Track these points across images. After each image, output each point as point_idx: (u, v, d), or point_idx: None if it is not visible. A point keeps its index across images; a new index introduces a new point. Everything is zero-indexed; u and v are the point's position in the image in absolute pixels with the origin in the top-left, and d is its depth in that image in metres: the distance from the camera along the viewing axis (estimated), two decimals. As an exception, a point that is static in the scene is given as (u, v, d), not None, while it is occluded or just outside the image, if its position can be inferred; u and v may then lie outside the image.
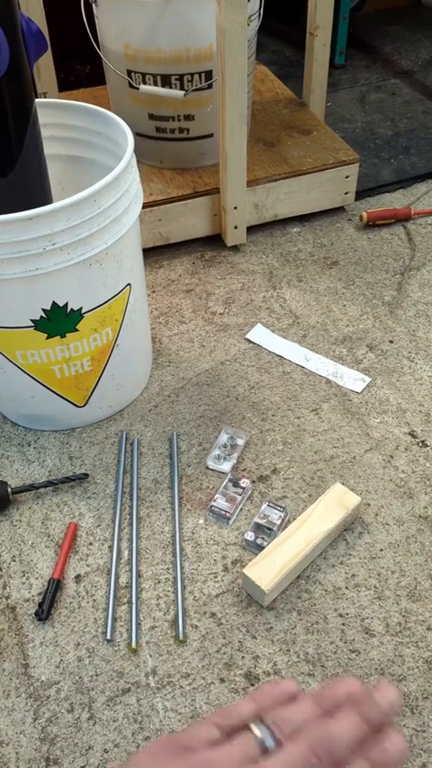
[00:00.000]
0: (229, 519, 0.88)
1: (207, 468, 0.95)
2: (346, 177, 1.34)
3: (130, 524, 0.89)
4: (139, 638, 0.79)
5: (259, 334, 1.14)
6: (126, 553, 0.86)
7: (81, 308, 0.85)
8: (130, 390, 1.04)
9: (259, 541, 0.85)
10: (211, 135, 1.27)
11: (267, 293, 1.23)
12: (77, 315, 0.85)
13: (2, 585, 0.84)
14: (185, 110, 1.23)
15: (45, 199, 0.90)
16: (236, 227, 1.28)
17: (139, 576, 0.84)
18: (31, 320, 0.83)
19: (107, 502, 0.92)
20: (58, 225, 0.76)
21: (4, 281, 0.78)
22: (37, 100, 0.85)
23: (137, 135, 1.26)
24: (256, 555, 0.82)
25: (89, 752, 0.71)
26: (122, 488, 0.93)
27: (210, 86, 1.20)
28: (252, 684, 0.75)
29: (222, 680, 0.75)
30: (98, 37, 1.24)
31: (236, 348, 1.13)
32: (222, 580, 0.83)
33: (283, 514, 0.88)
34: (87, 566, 0.86)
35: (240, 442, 0.97)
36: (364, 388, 1.05)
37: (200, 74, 1.19)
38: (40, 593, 0.83)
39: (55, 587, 0.82)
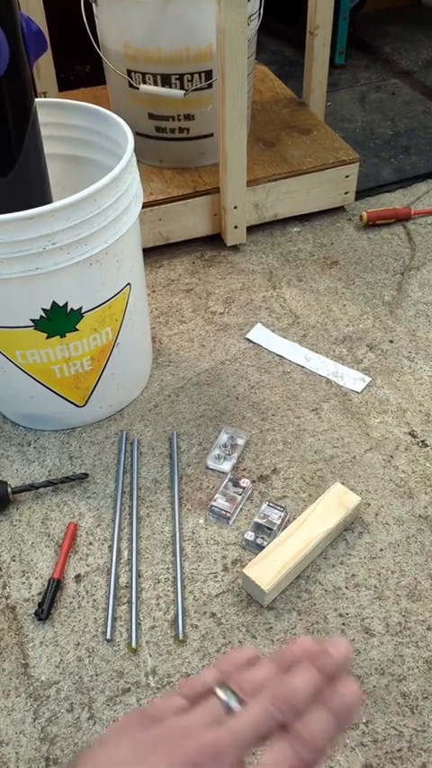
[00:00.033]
0: (229, 519, 0.88)
1: (207, 467, 0.95)
2: (346, 177, 1.34)
3: (130, 524, 0.89)
4: (139, 637, 0.79)
5: (259, 334, 1.14)
6: (126, 553, 0.86)
7: (81, 308, 0.85)
8: (129, 390, 1.04)
9: (259, 541, 0.85)
10: (211, 134, 1.27)
11: (267, 293, 1.23)
12: (77, 314, 0.85)
13: (2, 585, 0.84)
14: (185, 109, 1.23)
15: (45, 198, 0.90)
16: (236, 227, 1.28)
17: (138, 575, 0.84)
18: (31, 320, 0.83)
19: (107, 502, 0.92)
20: (58, 224, 0.75)
21: (3, 281, 0.78)
22: (37, 99, 0.85)
23: (137, 134, 1.26)
24: (256, 555, 0.82)
25: (89, 752, 0.71)
26: (122, 488, 0.93)
27: (210, 86, 1.20)
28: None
29: (222, 680, 0.75)
30: (98, 37, 1.24)
31: (236, 348, 1.13)
32: (222, 580, 0.83)
33: (283, 514, 0.88)
34: (87, 565, 0.86)
35: (240, 441, 0.97)
36: (364, 388, 1.05)
37: (200, 73, 1.19)
38: (39, 593, 0.83)
39: (55, 587, 0.82)
